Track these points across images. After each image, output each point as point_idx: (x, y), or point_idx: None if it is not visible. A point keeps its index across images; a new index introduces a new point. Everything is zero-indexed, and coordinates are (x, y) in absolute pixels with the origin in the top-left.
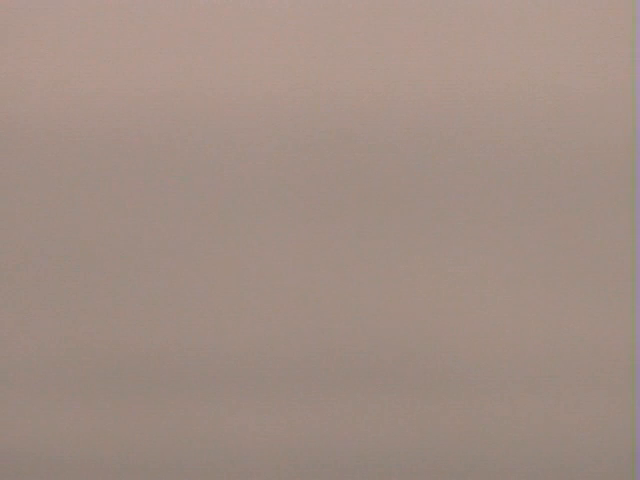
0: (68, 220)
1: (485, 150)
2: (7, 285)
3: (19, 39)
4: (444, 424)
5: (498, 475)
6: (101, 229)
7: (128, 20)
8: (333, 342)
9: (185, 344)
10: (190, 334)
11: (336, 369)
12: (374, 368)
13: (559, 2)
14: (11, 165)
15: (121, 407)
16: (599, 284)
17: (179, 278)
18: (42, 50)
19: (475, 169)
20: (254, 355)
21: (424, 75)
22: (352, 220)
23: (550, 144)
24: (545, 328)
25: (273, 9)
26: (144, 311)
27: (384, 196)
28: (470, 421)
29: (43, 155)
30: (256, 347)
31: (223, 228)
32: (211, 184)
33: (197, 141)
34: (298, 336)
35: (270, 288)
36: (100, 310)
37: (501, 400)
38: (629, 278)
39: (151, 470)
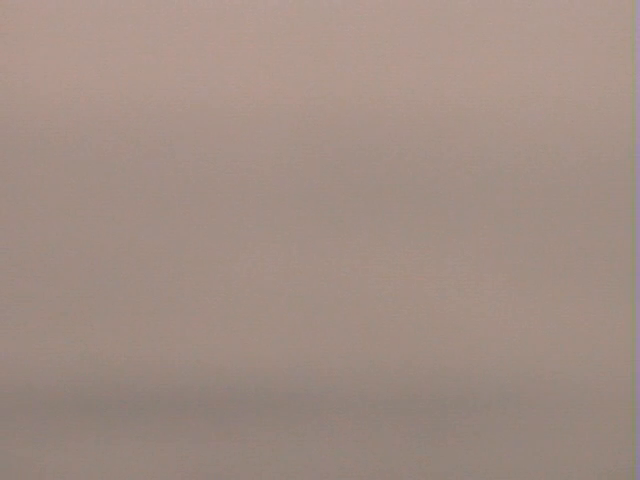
0: (67, 223)
1: (484, 153)
2: (6, 289)
3: (20, 40)
4: (441, 438)
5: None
6: (100, 232)
7: (129, 22)
8: (333, 352)
9: (185, 356)
10: (190, 345)
11: (335, 382)
12: (374, 380)
13: (558, 7)
14: (11, 166)
15: (118, 422)
16: (599, 288)
17: (180, 283)
18: (42, 51)
19: (474, 172)
20: (255, 367)
21: (423, 80)
22: (349, 223)
23: (549, 146)
24: (545, 331)
25: (273, 12)
26: (142, 318)
27: (382, 199)
28: (471, 435)
29: (43, 156)
30: (258, 356)
31: (224, 232)
32: (211, 186)
33: (197, 143)
34: (298, 346)
35: (270, 294)
36: (91, 317)
37: (501, 411)
38: (629, 281)
39: None
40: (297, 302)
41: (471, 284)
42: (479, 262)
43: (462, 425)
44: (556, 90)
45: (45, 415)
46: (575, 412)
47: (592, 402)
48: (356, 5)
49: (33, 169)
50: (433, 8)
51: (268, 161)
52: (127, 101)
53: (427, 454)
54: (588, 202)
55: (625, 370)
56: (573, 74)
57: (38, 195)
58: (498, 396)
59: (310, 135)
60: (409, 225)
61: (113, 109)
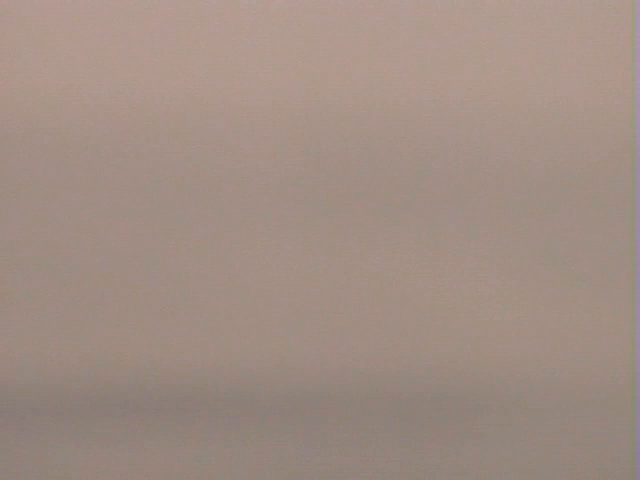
0: (68, 225)
1: (483, 154)
2: (7, 290)
3: (20, 41)
4: (442, 438)
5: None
6: (101, 232)
7: (128, 22)
8: (335, 352)
9: (187, 355)
10: (193, 345)
11: (337, 382)
12: (377, 380)
13: (557, 9)
14: (10, 166)
15: (113, 427)
16: (600, 288)
17: (182, 282)
18: (43, 51)
19: (474, 174)
20: (257, 367)
21: (423, 83)
22: (350, 223)
23: (549, 148)
24: (545, 331)
25: (273, 12)
26: (145, 318)
27: (384, 199)
28: (472, 435)
29: (43, 156)
30: (260, 356)
31: (225, 232)
32: (213, 185)
33: (197, 144)
34: (299, 345)
35: (271, 293)
36: (96, 319)
37: (502, 411)
38: (629, 281)
39: None
40: (299, 302)
41: (472, 284)
42: (480, 262)
43: (463, 425)
44: (556, 90)
45: (47, 416)
46: (575, 412)
47: (592, 402)
48: (357, 5)
49: (33, 169)
50: (433, 8)
51: (269, 160)
52: (127, 101)
53: (428, 454)
54: (588, 202)
55: (625, 370)
56: (573, 73)
57: (38, 195)
58: (499, 396)
59: (311, 134)
60: (411, 224)
61: (112, 109)
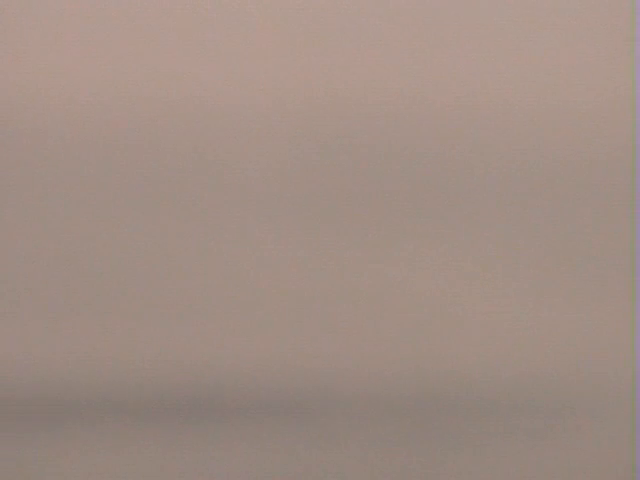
0: (66, 225)
1: (483, 155)
2: (8, 290)
3: (20, 41)
4: (441, 439)
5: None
6: (101, 233)
7: (128, 22)
8: (335, 353)
9: (186, 356)
10: (192, 346)
11: (337, 382)
12: (378, 381)
13: (558, 11)
14: (10, 166)
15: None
16: (600, 289)
17: (182, 283)
18: (43, 52)
19: (474, 175)
20: (257, 371)
21: (424, 84)
22: (348, 224)
23: (551, 149)
24: (546, 332)
25: (273, 12)
26: (141, 322)
27: (385, 199)
28: (471, 436)
29: (42, 156)
30: (259, 356)
31: (225, 232)
32: (211, 187)
33: (196, 144)
34: (299, 346)
35: (272, 294)
36: (96, 320)
37: (502, 412)
38: (630, 282)
39: None
40: (299, 302)
41: (472, 284)
42: (480, 262)
43: (462, 426)
44: (557, 90)
45: (48, 416)
46: (575, 413)
47: (592, 403)
48: (358, 4)
49: (32, 169)
50: (434, 9)
51: (270, 160)
52: (127, 101)
53: (426, 456)
54: (589, 202)
55: (625, 370)
56: (573, 74)
57: (38, 195)
58: (498, 396)
59: (312, 133)
60: (411, 225)
61: (113, 110)
